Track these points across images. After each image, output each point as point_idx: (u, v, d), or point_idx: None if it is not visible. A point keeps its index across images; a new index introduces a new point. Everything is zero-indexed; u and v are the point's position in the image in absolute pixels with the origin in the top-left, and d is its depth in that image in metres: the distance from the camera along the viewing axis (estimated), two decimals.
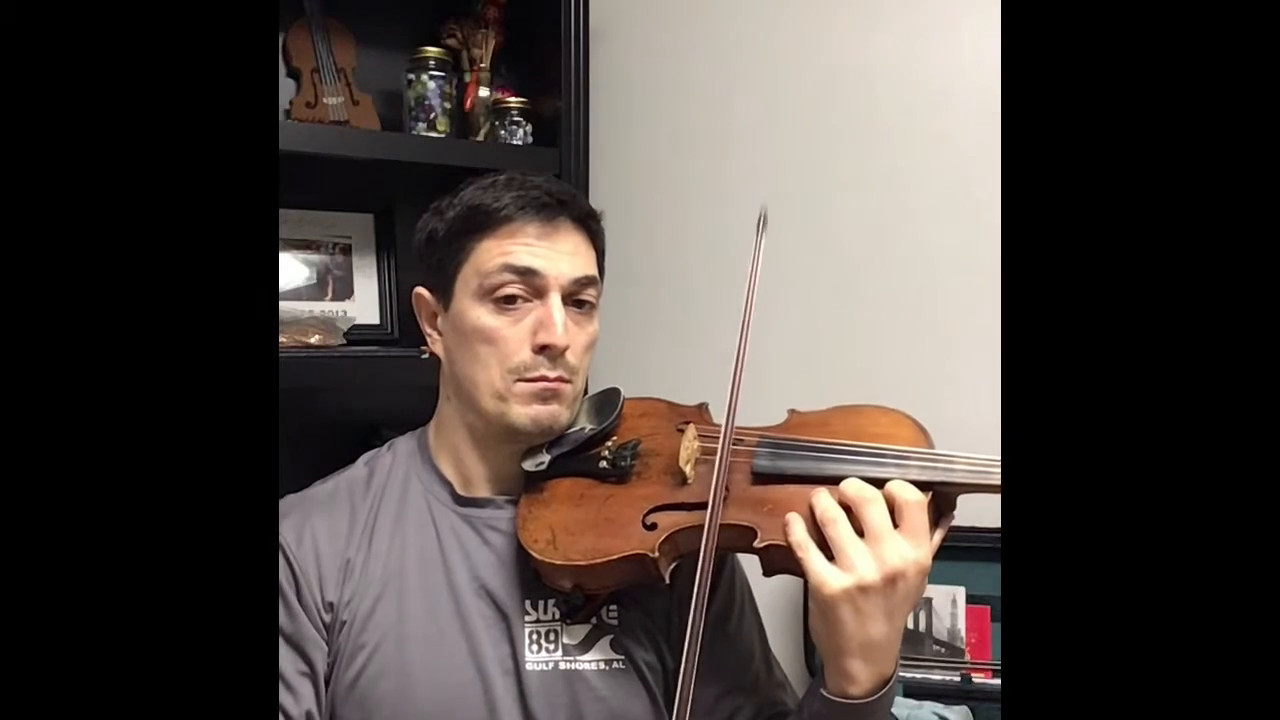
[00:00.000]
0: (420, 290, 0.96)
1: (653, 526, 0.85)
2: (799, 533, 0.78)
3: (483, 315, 0.89)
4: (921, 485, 0.78)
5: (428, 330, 0.97)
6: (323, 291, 1.51)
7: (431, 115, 1.45)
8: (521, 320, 0.89)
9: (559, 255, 0.89)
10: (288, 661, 0.87)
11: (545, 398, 0.89)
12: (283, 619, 0.88)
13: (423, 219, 0.95)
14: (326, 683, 0.89)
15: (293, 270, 1.49)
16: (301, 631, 0.88)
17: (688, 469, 0.86)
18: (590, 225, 0.94)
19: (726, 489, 0.84)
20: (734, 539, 0.82)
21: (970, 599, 1.41)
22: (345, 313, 1.51)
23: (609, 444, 0.92)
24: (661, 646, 0.93)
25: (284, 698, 0.86)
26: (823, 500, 0.78)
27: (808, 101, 1.56)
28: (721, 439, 0.83)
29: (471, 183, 0.94)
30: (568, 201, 0.92)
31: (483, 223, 0.89)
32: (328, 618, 0.89)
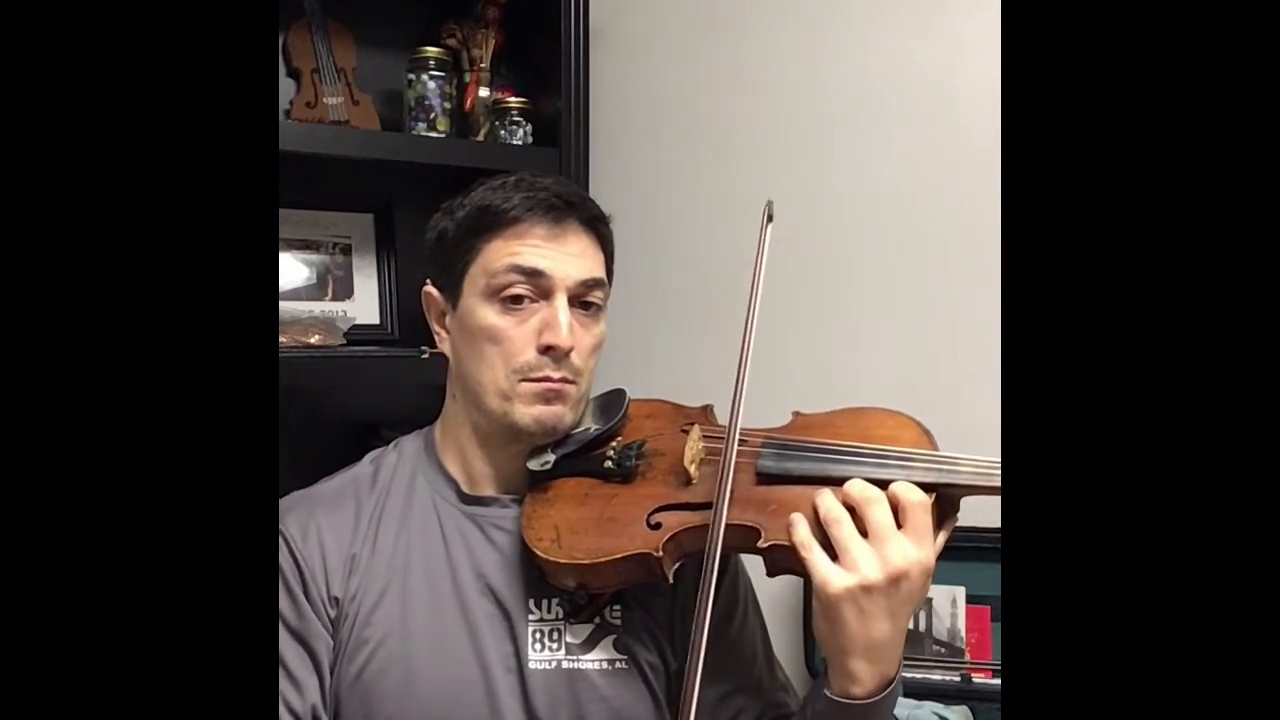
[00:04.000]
0: (429, 289, 0.96)
1: (657, 526, 0.85)
2: (803, 533, 0.78)
3: (489, 315, 0.89)
4: (925, 487, 0.78)
5: (436, 329, 0.97)
6: (323, 291, 1.51)
7: (431, 115, 1.45)
8: (527, 321, 0.89)
9: (566, 257, 0.89)
10: (294, 656, 0.87)
11: (549, 398, 0.89)
12: (289, 613, 0.88)
13: (434, 218, 0.96)
14: (331, 674, 0.89)
15: (293, 270, 1.49)
16: (308, 626, 0.88)
17: (692, 469, 0.86)
18: (599, 228, 0.94)
19: (731, 490, 0.84)
20: (738, 539, 0.82)
21: (970, 599, 1.41)
22: (345, 313, 1.51)
23: (614, 444, 0.92)
24: (664, 647, 0.93)
25: (289, 692, 0.86)
26: (826, 500, 0.78)
27: (809, 101, 1.56)
28: (728, 434, 0.82)
29: (482, 183, 0.94)
30: (576, 204, 0.92)
31: (491, 223, 0.90)
32: (333, 612, 0.89)
